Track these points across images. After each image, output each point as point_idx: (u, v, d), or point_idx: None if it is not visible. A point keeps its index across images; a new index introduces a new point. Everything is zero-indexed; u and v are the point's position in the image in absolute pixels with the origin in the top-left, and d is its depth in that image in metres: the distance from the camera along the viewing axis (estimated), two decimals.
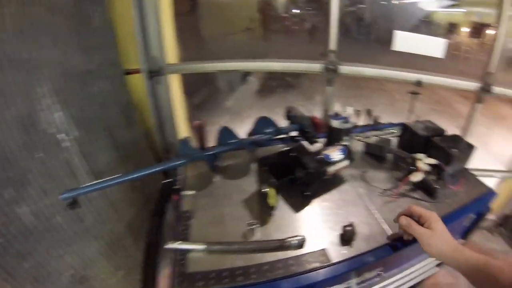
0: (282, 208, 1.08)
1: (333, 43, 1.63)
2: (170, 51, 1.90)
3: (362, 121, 1.61)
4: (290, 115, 1.36)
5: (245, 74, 5.16)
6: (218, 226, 1.02)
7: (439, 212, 1.08)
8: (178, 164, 1.13)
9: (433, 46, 1.78)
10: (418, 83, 1.33)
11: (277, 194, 1.04)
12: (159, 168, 1.09)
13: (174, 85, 2.00)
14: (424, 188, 1.16)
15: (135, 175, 1.04)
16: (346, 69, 1.70)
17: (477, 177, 1.31)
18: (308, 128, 1.30)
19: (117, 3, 1.60)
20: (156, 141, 1.98)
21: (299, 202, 1.10)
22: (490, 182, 2.55)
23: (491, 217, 2.70)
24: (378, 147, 1.33)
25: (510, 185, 2.58)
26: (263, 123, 1.31)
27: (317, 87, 5.19)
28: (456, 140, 1.27)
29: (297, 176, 1.10)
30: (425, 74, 1.78)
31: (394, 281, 1.11)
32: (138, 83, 1.75)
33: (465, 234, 1.33)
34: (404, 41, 1.73)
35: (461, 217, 1.15)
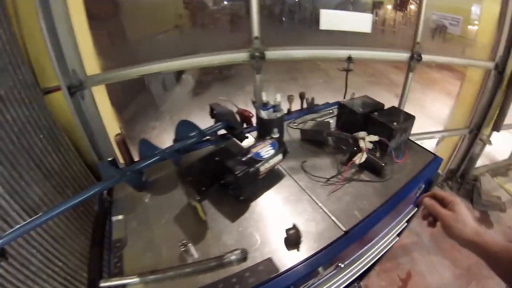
0: (217, 219, 0.94)
1: (256, 29, 1.49)
2: (90, 61, 1.67)
3: (297, 106, 1.50)
4: (215, 113, 1.20)
5: (179, 73, 4.85)
6: (152, 251, 0.86)
7: (391, 189, 1.02)
8: (96, 191, 0.93)
9: (360, 21, 1.71)
10: (349, 59, 1.23)
11: (212, 204, 0.92)
12: (75, 202, 0.89)
13: (101, 98, 1.79)
14: (371, 167, 1.07)
15: (51, 215, 0.85)
16: (273, 54, 1.57)
17: (421, 146, 1.25)
18: (235, 124, 1.15)
19: (24, 17, 1.37)
20: (93, 161, 1.75)
21: (235, 209, 0.96)
22: (433, 142, 2.70)
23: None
24: (314, 132, 1.21)
25: (450, 142, 2.65)
26: (185, 127, 1.11)
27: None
28: (395, 112, 1.20)
29: (227, 182, 0.95)
30: (355, 50, 1.71)
31: (356, 267, 1.02)
32: (62, 101, 1.53)
33: (417, 205, 1.27)
34: (331, 19, 1.63)
35: (412, 190, 1.08)
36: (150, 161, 1.00)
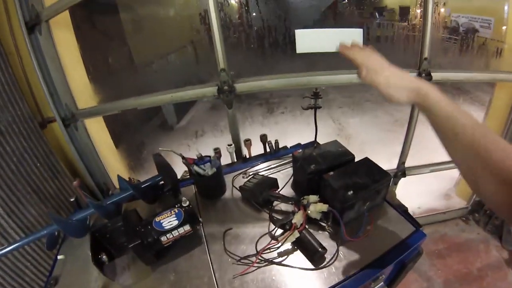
0: (126, 280, 0.72)
1: (221, 61, 1.16)
2: (84, 94, 1.57)
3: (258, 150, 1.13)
4: (158, 164, 0.91)
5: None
6: None
7: (328, 280, 0.65)
8: (43, 234, 0.78)
9: (348, 38, 1.27)
10: (315, 94, 0.84)
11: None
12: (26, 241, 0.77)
13: (98, 128, 1.66)
14: (304, 249, 0.69)
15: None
16: (243, 86, 1.23)
17: (400, 213, 0.82)
18: (165, 180, 0.85)
19: (24, 55, 1.29)
20: (90, 185, 1.65)
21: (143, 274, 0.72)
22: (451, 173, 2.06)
23: (463, 204, 2.12)
24: (249, 192, 0.84)
25: None
26: (122, 183, 0.88)
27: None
28: (362, 171, 0.78)
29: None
30: (341, 74, 1.29)
31: None
32: (59, 131, 1.46)
33: (390, 283, 0.83)
34: (309, 40, 1.22)
35: (364, 281, 0.68)
36: (85, 213, 0.82)
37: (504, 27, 1.93)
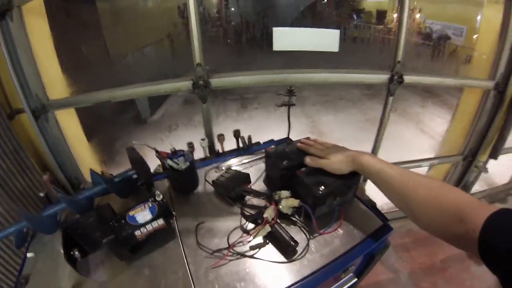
0: (101, 276, 0.70)
1: (198, 55, 1.15)
2: (56, 84, 1.49)
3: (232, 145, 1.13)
4: (131, 158, 0.89)
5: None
6: None
7: (299, 272, 0.67)
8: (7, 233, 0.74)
9: (325, 39, 1.30)
10: (290, 92, 0.84)
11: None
12: None
13: (69, 120, 1.59)
14: (276, 243, 0.71)
15: None
16: (219, 81, 1.23)
17: (369, 207, 0.85)
18: (137, 175, 0.83)
19: None
20: (61, 180, 1.55)
21: (118, 269, 0.70)
22: (419, 170, 2.14)
23: None
24: (223, 187, 0.84)
25: (442, 169, 2.11)
26: (94, 177, 0.87)
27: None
28: None
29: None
30: (318, 73, 1.31)
31: None
32: (29, 124, 1.37)
33: (359, 274, 0.86)
34: (286, 38, 1.24)
35: (335, 272, 0.71)
36: (56, 208, 0.79)
37: (475, 36, 2.03)
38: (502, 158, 1.95)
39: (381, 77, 1.48)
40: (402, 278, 1.73)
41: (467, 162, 1.99)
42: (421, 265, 1.81)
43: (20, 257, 1.23)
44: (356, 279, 0.86)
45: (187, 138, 1.13)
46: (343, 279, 0.84)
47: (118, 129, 2.98)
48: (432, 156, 2.12)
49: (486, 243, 0.45)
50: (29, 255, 0.78)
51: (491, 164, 1.99)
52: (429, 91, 4.46)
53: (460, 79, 1.72)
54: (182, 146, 0.96)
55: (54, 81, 1.46)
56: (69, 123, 1.57)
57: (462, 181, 2.06)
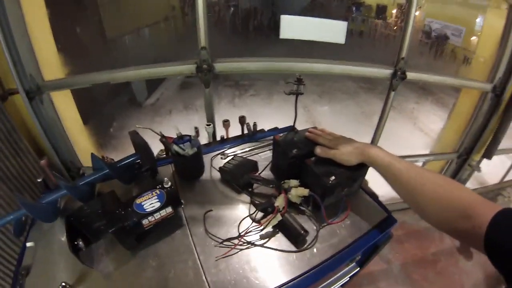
0: (107, 266, 0.66)
1: (203, 39, 1.12)
2: (52, 65, 1.43)
3: (238, 132, 1.11)
4: (135, 142, 0.86)
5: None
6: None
7: (310, 262, 0.67)
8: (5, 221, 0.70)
9: (332, 30, 1.28)
10: (299, 80, 0.82)
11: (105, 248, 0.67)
12: None
13: (65, 102, 1.53)
14: (286, 232, 0.71)
15: None
16: (222, 66, 1.20)
17: (375, 199, 0.85)
18: (142, 160, 0.81)
19: None
20: (56, 164, 1.52)
21: (122, 259, 0.67)
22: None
23: None
24: (231, 174, 0.83)
25: (436, 164, 2.15)
26: (96, 162, 0.82)
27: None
28: None
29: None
30: (322, 63, 1.29)
31: None
32: (23, 105, 1.31)
33: (361, 264, 0.87)
34: (294, 27, 1.22)
35: (343, 262, 0.70)
36: (56, 195, 0.75)
37: (473, 38, 2.05)
38: (494, 159, 2.00)
39: (384, 72, 1.48)
40: (394, 269, 1.77)
41: (461, 160, 2.03)
42: (413, 256, 1.86)
43: (18, 246, 1.20)
44: (358, 268, 0.87)
45: (183, 122, 1.11)
46: (346, 269, 0.85)
47: (113, 112, 2.89)
48: (426, 152, 2.15)
49: (492, 240, 0.46)
50: (28, 244, 0.74)
51: (484, 164, 2.04)
52: (425, 88, 4.52)
53: (460, 80, 1.74)
54: (181, 130, 0.93)
55: (50, 61, 1.40)
56: (65, 105, 1.51)
57: (455, 179, 2.11)
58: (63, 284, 0.59)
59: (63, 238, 0.70)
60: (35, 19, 1.27)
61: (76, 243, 0.66)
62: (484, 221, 0.47)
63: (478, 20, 2.01)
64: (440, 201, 0.57)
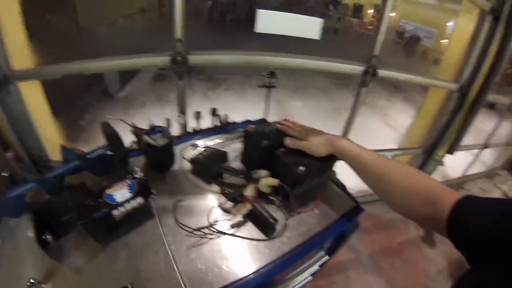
0: (74, 261, 0.64)
1: (179, 31, 1.10)
2: (21, 53, 1.35)
3: (208, 123, 1.11)
4: (106, 134, 0.84)
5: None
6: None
7: (278, 250, 0.69)
8: None
9: (307, 26, 1.30)
10: (272, 74, 0.84)
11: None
12: None
13: (33, 93, 1.46)
14: (256, 222, 0.73)
15: None
16: (197, 58, 1.19)
17: (342, 190, 0.89)
18: (113, 150, 0.79)
19: None
20: (23, 158, 1.44)
21: (92, 252, 0.66)
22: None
23: None
24: (202, 165, 0.84)
25: (403, 158, 2.26)
26: (66, 153, 0.80)
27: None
28: None
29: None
30: (296, 58, 1.31)
31: None
32: None
33: (330, 252, 0.91)
34: (270, 21, 1.23)
35: (311, 250, 0.74)
36: (23, 189, 0.71)
37: (444, 41, 2.15)
38: (457, 154, 2.13)
39: (357, 69, 1.53)
40: (363, 259, 1.86)
41: (426, 155, 2.15)
42: (380, 246, 1.95)
43: None
44: (327, 257, 0.91)
45: (155, 115, 1.10)
46: (316, 257, 0.88)
47: (83, 104, 2.77)
48: (394, 147, 2.26)
49: (456, 221, 0.49)
50: None
51: (447, 159, 2.16)
52: (396, 86, 4.70)
53: (428, 79, 1.84)
54: (152, 122, 0.93)
55: (19, 49, 1.32)
56: (33, 96, 1.44)
57: None
58: (32, 280, 0.57)
59: (31, 234, 0.67)
60: (4, 3, 1.20)
61: (44, 236, 0.64)
62: (447, 206, 0.50)
63: (450, 24, 2.11)
64: (405, 189, 0.60)
